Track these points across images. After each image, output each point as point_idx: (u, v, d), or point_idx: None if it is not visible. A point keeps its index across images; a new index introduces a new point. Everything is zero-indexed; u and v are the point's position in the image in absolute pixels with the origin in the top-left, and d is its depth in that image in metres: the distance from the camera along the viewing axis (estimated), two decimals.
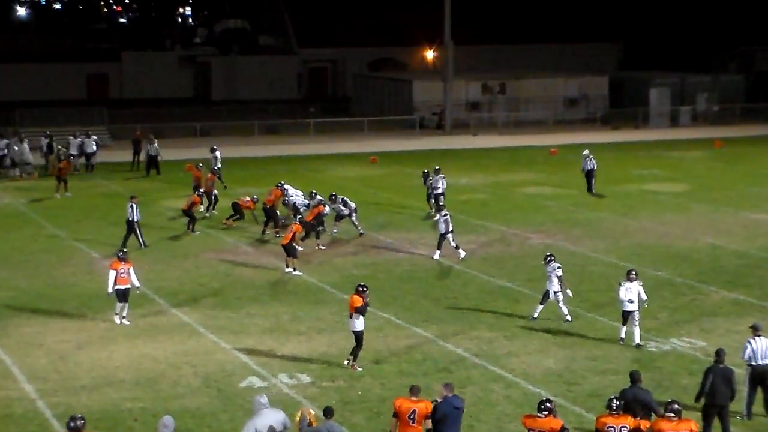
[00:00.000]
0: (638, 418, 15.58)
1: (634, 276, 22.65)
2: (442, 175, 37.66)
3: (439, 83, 65.11)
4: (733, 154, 53.87)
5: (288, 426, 15.19)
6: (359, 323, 21.11)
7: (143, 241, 32.38)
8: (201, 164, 40.57)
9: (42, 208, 39.77)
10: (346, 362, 21.35)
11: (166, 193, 42.10)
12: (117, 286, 24.43)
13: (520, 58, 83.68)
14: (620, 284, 22.70)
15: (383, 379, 20.73)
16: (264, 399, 15.32)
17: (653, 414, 16.37)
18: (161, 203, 40.41)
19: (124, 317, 24.55)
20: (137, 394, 19.99)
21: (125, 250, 25.61)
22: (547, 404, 15.03)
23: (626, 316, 22.56)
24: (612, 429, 15.00)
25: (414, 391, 15.83)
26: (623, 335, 22.75)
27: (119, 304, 24.58)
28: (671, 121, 68.07)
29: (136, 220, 32.17)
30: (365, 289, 21.25)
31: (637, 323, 22.50)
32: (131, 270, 24.73)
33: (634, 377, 16.90)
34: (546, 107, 69.07)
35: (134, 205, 32.24)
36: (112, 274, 24.45)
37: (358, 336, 21.21)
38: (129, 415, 18.96)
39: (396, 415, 15.68)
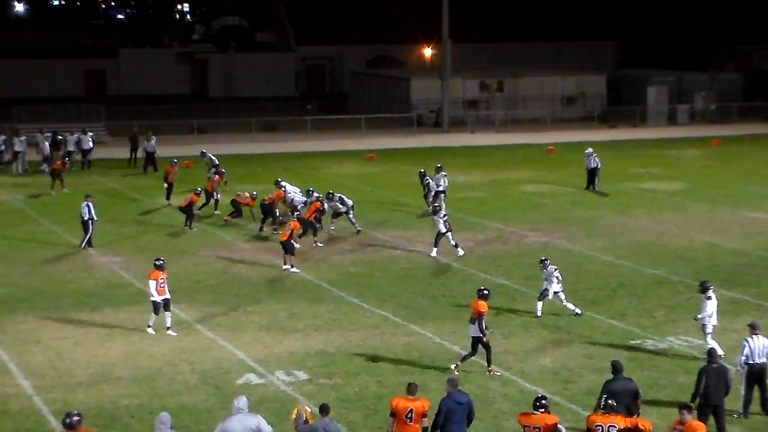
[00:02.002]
0: (636, 416, 15.57)
1: (707, 287, 21.55)
2: (444, 173, 37.69)
3: (437, 81, 65.08)
4: (730, 153, 53.90)
5: (265, 431, 14.68)
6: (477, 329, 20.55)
7: (87, 242, 31.89)
8: (176, 160, 40.87)
9: (39, 205, 39.77)
10: (488, 372, 20.72)
11: (164, 189, 42.02)
12: (156, 297, 23.33)
13: (517, 56, 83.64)
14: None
15: (380, 376, 20.72)
16: (240, 403, 14.82)
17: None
18: (158, 200, 40.41)
19: (169, 327, 23.41)
20: (134, 391, 19.98)
21: (163, 259, 24.13)
22: (542, 401, 15.06)
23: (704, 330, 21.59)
24: (600, 428, 14.99)
25: (411, 390, 15.78)
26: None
27: (154, 316, 23.42)
28: (669, 119, 68.07)
29: (92, 219, 31.93)
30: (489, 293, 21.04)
31: (706, 336, 21.41)
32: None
33: (618, 367, 16.97)
34: (544, 105, 69.05)
35: (90, 204, 32.03)
36: (152, 284, 23.26)
37: (477, 342, 20.54)
38: (125, 412, 18.95)
39: (393, 414, 15.64)
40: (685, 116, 68.40)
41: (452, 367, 20.78)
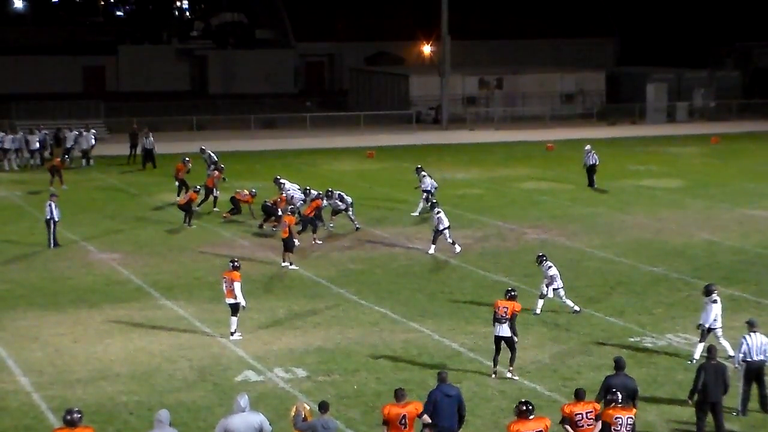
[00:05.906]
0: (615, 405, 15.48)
1: (711, 290, 21.23)
2: (424, 173, 36.88)
3: (436, 78, 65.10)
4: (729, 150, 53.90)
5: (266, 429, 14.62)
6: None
7: (53, 241, 31.70)
8: (188, 158, 40.74)
9: (38, 201, 39.64)
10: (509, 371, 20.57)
11: (163, 186, 42.07)
12: (242, 300, 22.75)
13: (517, 53, 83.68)
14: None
15: (379, 373, 20.73)
16: (243, 401, 14.73)
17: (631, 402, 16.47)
18: (158, 197, 40.41)
19: (234, 332, 22.89)
20: (133, 388, 19.99)
21: (238, 260, 23.56)
22: (527, 406, 14.87)
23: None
24: (620, 420, 15.11)
25: (399, 396, 15.53)
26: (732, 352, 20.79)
27: (236, 319, 22.84)
28: (668, 116, 68.09)
29: (54, 219, 31.73)
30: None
31: (719, 339, 21.03)
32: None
33: (621, 364, 17.00)
34: (543, 102, 69.08)
35: (52, 204, 31.86)
36: (237, 285, 22.63)
37: (502, 340, 20.44)
38: (124, 409, 18.96)
39: (386, 422, 15.55)
40: (684, 113, 68.41)
41: (508, 375, 20.48)
